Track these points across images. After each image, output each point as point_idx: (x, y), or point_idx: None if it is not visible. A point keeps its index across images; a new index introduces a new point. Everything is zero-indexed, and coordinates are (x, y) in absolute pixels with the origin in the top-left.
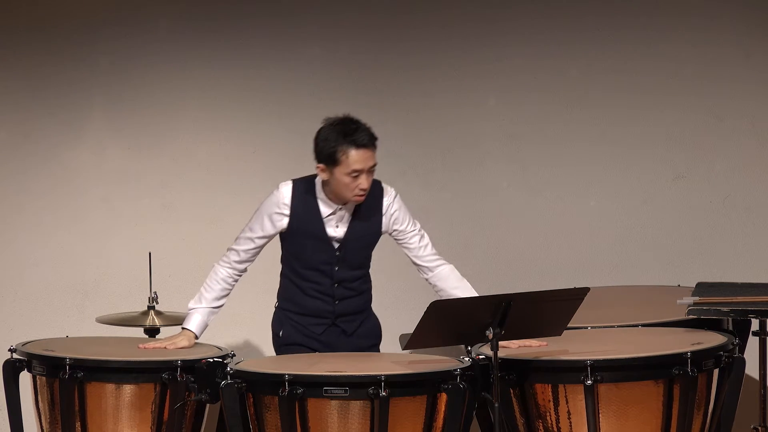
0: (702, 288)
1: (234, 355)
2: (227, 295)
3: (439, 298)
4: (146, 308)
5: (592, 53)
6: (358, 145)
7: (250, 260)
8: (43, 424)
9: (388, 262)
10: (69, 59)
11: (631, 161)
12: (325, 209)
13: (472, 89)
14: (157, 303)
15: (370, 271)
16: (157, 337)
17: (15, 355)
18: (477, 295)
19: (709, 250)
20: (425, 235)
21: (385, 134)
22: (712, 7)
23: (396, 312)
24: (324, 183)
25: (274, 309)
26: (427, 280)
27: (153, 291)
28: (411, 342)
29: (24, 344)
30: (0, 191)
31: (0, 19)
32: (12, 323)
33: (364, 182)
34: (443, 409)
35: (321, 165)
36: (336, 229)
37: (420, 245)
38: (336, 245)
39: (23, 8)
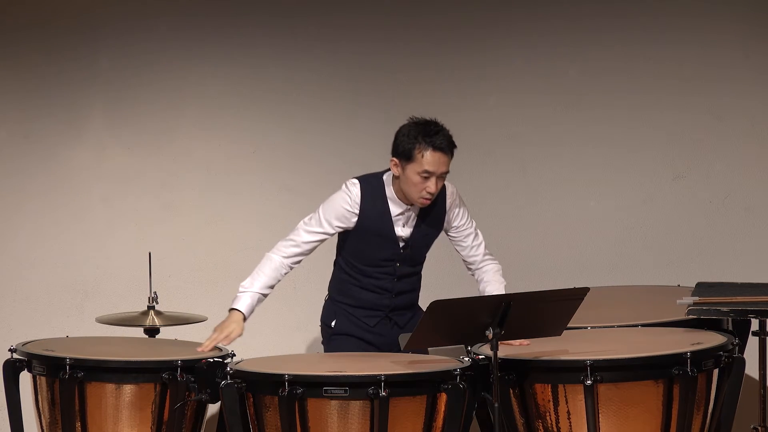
0: (702, 288)
1: (234, 354)
2: (275, 285)
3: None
4: (146, 308)
5: (592, 54)
6: (435, 147)
7: (307, 254)
8: (43, 424)
9: None
10: (69, 59)
11: (631, 161)
12: (394, 209)
13: (473, 90)
14: (157, 303)
15: None
16: (157, 336)
17: (15, 355)
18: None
19: (709, 250)
20: (479, 234)
21: (385, 135)
22: (712, 8)
23: None
24: (394, 179)
25: (324, 300)
26: (472, 273)
27: (153, 291)
28: (411, 342)
29: (24, 344)
30: (0, 191)
31: (0, 18)
32: (12, 323)
33: (432, 186)
34: (443, 409)
35: (395, 159)
36: (403, 228)
37: (473, 244)
38: (401, 244)
39: (23, 8)
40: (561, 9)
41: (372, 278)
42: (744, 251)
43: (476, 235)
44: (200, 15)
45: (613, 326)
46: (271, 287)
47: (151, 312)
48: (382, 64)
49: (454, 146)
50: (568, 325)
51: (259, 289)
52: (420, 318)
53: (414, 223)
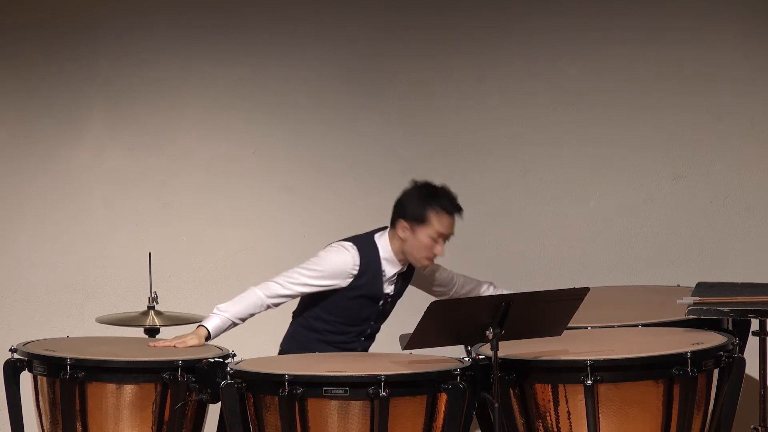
0: (702, 288)
1: (234, 355)
2: (250, 317)
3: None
4: (146, 308)
5: (592, 54)
6: (449, 211)
7: (289, 299)
8: (44, 424)
9: None
10: (69, 59)
11: (631, 161)
12: (389, 269)
13: (473, 90)
14: (157, 303)
15: None
16: (157, 336)
17: (16, 355)
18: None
19: (709, 250)
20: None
21: (385, 135)
22: (711, 8)
23: (396, 312)
24: (393, 240)
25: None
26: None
27: (153, 291)
28: (411, 342)
29: (25, 344)
30: (0, 191)
31: (0, 18)
32: (12, 323)
33: (440, 248)
34: (443, 409)
35: (405, 223)
36: (389, 285)
37: (456, 279)
38: (381, 302)
39: (23, 8)
40: (561, 9)
41: (343, 335)
42: (744, 251)
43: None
44: (200, 14)
45: (613, 326)
46: (243, 319)
47: (151, 312)
48: (382, 64)
49: (461, 209)
50: (568, 325)
51: (231, 316)
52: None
53: (397, 279)
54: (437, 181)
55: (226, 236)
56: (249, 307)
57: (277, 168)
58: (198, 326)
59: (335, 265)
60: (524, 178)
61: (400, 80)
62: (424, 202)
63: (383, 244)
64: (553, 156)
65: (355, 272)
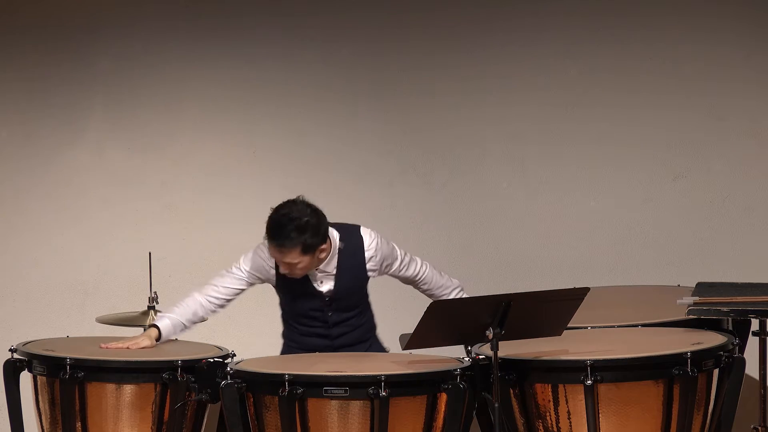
0: (702, 288)
1: (234, 355)
2: (196, 322)
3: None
4: (146, 308)
5: (592, 53)
6: (268, 238)
7: (226, 300)
8: (44, 424)
9: None
10: (69, 59)
11: (631, 161)
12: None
13: (472, 89)
14: (157, 303)
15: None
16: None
17: (15, 355)
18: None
19: (709, 250)
20: (424, 264)
21: (385, 134)
22: (712, 7)
23: (396, 312)
24: None
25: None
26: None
27: (153, 291)
28: (411, 342)
29: (24, 344)
30: (0, 191)
31: (0, 18)
32: (12, 323)
33: (282, 268)
34: (443, 409)
35: None
36: (321, 284)
37: (425, 277)
38: (326, 298)
39: (23, 8)
40: (561, 7)
41: (307, 326)
42: (744, 251)
43: (421, 264)
44: (200, 15)
45: (613, 326)
46: (192, 321)
47: (151, 312)
48: (382, 63)
49: (288, 239)
50: (568, 325)
51: (178, 315)
52: (420, 318)
53: (333, 279)
54: (438, 180)
55: (226, 236)
56: (191, 306)
57: (277, 168)
58: (149, 327)
59: (251, 259)
60: (524, 178)
61: (400, 79)
62: None
63: None
64: (553, 155)
65: (273, 264)
